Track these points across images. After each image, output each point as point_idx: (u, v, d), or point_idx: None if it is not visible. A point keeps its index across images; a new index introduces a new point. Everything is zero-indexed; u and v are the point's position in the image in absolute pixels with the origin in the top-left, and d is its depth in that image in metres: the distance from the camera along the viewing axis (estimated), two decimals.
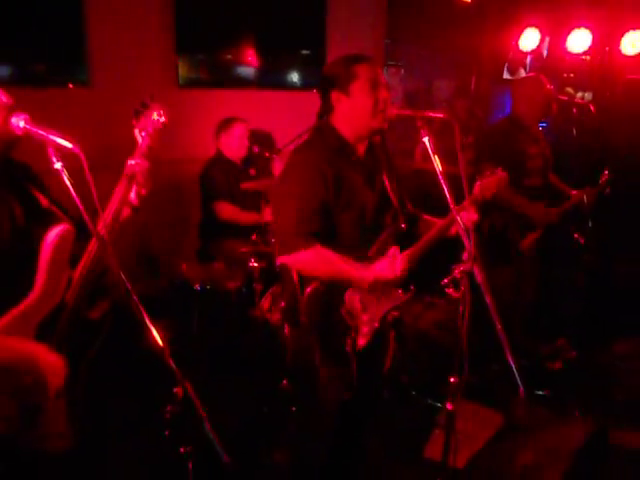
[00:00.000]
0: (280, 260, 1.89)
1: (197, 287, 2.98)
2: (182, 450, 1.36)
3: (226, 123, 3.59)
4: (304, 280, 1.92)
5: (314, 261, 1.84)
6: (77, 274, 1.54)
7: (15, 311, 1.44)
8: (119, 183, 1.62)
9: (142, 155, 1.65)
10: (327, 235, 1.89)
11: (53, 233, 1.50)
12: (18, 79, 3.11)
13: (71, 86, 3.32)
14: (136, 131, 1.75)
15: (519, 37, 4.78)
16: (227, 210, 3.48)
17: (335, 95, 1.90)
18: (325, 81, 1.94)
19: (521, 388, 1.51)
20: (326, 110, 1.96)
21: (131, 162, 1.61)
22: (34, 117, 1.45)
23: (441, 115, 1.70)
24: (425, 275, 2.04)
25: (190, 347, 2.88)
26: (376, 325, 1.96)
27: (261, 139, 3.96)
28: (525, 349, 2.93)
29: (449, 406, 1.75)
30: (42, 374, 1.40)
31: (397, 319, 2.61)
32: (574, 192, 3.19)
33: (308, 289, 1.87)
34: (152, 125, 1.74)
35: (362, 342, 1.93)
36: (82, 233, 1.65)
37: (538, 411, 1.58)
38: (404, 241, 2.03)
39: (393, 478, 2.52)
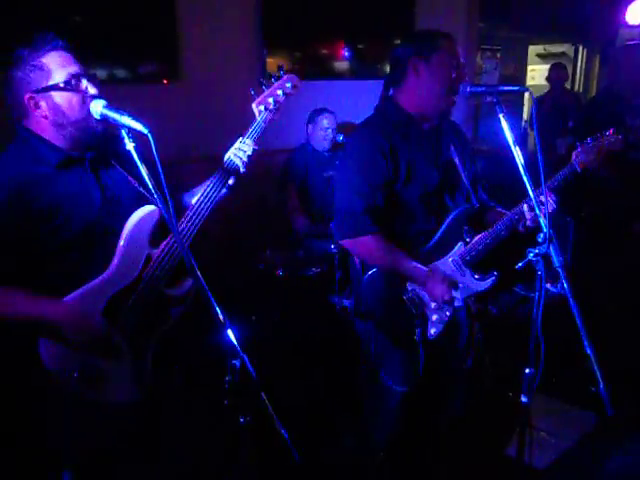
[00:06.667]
0: (342, 243, 1.86)
1: (278, 273, 3.04)
2: (241, 419, 1.40)
3: (313, 114, 3.68)
4: (366, 265, 1.88)
5: (375, 248, 1.80)
6: (158, 253, 1.56)
7: (90, 284, 1.50)
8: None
9: (252, 137, 1.67)
10: (391, 211, 1.84)
11: (136, 213, 1.55)
12: (115, 77, 3.28)
13: (165, 82, 3.50)
14: (254, 105, 1.68)
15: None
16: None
17: (414, 62, 1.79)
18: (404, 48, 1.83)
19: (601, 384, 1.39)
20: (395, 81, 1.88)
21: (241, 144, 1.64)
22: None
23: (515, 87, 1.59)
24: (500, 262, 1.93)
25: (271, 332, 2.94)
26: (448, 314, 1.90)
27: (349, 129, 3.97)
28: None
29: (524, 399, 1.66)
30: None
31: (483, 311, 2.48)
32: None
33: (366, 275, 1.84)
34: (275, 99, 1.69)
35: (433, 331, 1.88)
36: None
37: (630, 410, 1.43)
38: (477, 223, 1.95)
39: (471, 476, 2.43)
